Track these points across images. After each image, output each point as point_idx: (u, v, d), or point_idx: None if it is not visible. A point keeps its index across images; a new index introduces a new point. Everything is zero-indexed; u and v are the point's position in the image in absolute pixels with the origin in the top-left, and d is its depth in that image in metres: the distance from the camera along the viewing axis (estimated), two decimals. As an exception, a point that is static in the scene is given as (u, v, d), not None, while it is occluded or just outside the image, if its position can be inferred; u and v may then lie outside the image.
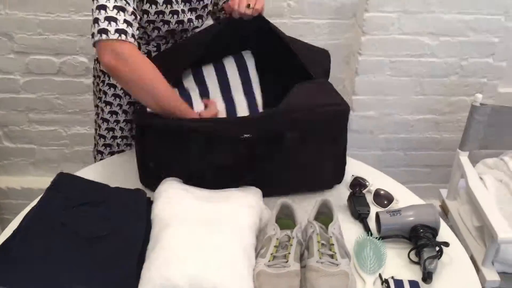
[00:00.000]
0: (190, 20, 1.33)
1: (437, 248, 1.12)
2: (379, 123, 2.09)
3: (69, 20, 1.91)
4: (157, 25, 1.30)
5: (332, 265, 1.01)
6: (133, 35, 1.10)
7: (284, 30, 1.98)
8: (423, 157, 2.21)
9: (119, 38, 1.06)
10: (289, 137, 1.16)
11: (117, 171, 1.36)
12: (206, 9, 1.35)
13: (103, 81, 1.40)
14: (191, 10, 1.32)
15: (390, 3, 1.80)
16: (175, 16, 1.28)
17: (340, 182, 1.34)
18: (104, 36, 1.05)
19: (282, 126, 1.16)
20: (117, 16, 1.07)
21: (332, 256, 1.03)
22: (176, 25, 1.31)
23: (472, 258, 1.61)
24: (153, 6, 1.23)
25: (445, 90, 2.02)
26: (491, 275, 1.53)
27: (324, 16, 1.95)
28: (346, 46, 2.02)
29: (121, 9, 1.08)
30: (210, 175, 1.19)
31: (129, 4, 1.11)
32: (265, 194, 1.23)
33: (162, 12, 1.26)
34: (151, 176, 1.23)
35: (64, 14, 1.90)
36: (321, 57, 1.35)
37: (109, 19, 1.06)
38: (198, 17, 1.35)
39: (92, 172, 1.37)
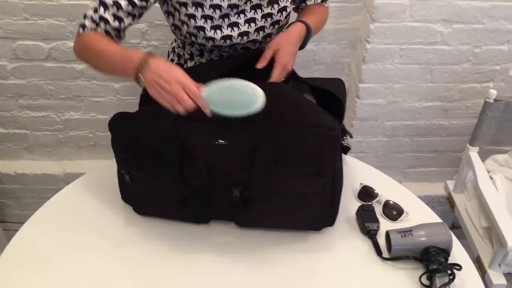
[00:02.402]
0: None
1: (449, 272, 1.08)
2: (386, 110, 2.01)
3: (57, 5, 1.78)
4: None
5: None
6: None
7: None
8: (430, 143, 2.15)
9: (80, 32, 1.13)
10: (262, 154, 1.05)
11: (100, 187, 1.31)
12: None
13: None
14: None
15: (402, -12, 1.69)
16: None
17: (331, 225, 1.21)
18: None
19: (258, 139, 1.05)
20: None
21: None
22: (222, 41, 1.24)
23: (478, 259, 1.59)
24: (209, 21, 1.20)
25: (455, 78, 1.93)
26: (498, 279, 1.51)
27: (331, 0, 1.83)
28: (353, 30, 1.91)
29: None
30: (182, 196, 1.11)
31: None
32: (240, 224, 1.19)
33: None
34: (130, 192, 1.19)
35: (51, -2, 1.77)
36: (339, 88, 1.29)
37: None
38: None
39: (74, 188, 1.31)
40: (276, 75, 1.19)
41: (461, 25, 1.78)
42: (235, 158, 1.06)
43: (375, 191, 1.32)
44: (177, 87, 0.93)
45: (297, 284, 1.08)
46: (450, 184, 1.88)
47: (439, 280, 1.07)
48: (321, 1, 1.39)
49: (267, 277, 1.09)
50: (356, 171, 1.41)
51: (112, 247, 1.14)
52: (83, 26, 1.12)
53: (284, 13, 1.27)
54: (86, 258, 1.11)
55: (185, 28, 1.22)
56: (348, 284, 1.09)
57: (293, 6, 1.36)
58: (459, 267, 1.10)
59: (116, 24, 1.12)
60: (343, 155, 1.39)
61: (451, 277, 1.08)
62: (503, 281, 1.51)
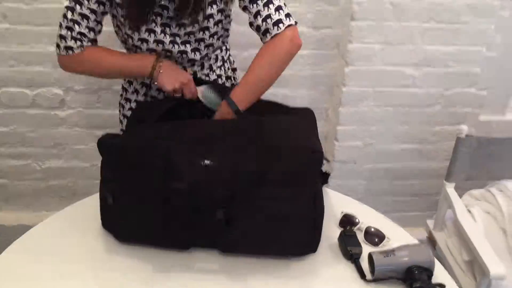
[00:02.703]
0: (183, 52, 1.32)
1: (433, 290, 1.08)
2: (364, 153, 2.06)
3: (43, 52, 1.84)
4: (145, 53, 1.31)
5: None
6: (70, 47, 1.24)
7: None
8: (408, 186, 2.19)
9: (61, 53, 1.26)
10: (246, 173, 1.07)
11: (81, 218, 1.30)
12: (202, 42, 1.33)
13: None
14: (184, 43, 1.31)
15: (373, 34, 1.80)
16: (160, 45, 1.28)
17: (314, 251, 1.20)
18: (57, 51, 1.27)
19: (244, 160, 1.08)
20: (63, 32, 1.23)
21: None
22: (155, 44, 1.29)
23: (463, 293, 1.58)
24: (136, 34, 1.26)
25: (429, 120, 2.01)
26: (484, 311, 1.50)
27: (308, 47, 1.93)
28: (329, 76, 2.01)
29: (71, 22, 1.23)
30: (165, 218, 1.11)
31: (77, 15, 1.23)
32: (222, 250, 1.18)
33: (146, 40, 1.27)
34: (112, 217, 1.18)
35: (38, 45, 1.83)
36: (305, 117, 1.32)
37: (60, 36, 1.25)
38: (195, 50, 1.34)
39: (53, 220, 1.30)
40: None
41: (430, 68, 1.89)
42: (220, 179, 1.08)
43: (356, 219, 1.33)
44: (188, 82, 1.30)
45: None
46: (430, 223, 1.90)
47: (423, 298, 1.06)
48: (263, 33, 1.26)
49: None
50: (337, 202, 1.43)
51: (91, 275, 1.11)
52: (70, 48, 1.23)
53: (207, 33, 1.32)
54: (66, 286, 1.08)
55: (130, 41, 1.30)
56: (333, 306, 1.08)
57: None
58: (442, 286, 1.10)
59: (92, 35, 1.26)
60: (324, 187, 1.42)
61: (435, 296, 1.08)
62: (488, 313, 1.50)
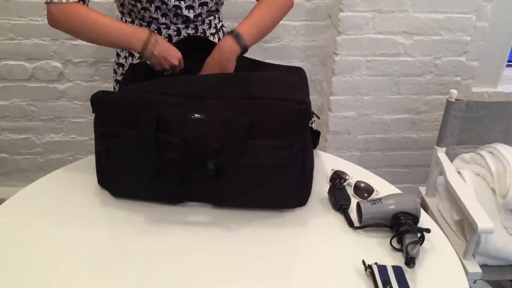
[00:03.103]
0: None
1: (419, 234, 1.11)
2: (357, 123, 2.09)
3: (42, 24, 1.87)
4: (144, 5, 1.32)
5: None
6: None
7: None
8: (401, 157, 2.22)
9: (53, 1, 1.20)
10: (236, 126, 1.10)
11: (79, 176, 1.32)
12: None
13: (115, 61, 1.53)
14: None
15: (364, 2, 1.82)
16: None
17: (304, 204, 1.24)
18: None
19: (233, 113, 1.12)
20: None
21: None
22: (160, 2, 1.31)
23: (453, 252, 1.61)
24: None
25: (420, 89, 2.04)
26: (473, 268, 1.53)
27: (300, 18, 1.96)
28: (322, 47, 2.04)
29: None
30: (158, 171, 1.13)
31: None
32: (215, 203, 1.21)
33: None
34: (107, 173, 1.21)
35: (37, 18, 1.86)
36: (295, 74, 1.33)
37: None
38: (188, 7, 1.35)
39: (50, 179, 1.33)
40: None
41: (421, 36, 1.91)
42: (210, 132, 1.11)
43: (346, 175, 1.36)
44: (178, 63, 1.28)
45: (275, 256, 1.09)
46: (422, 189, 1.93)
47: (408, 239, 1.09)
48: None
49: (245, 252, 1.09)
50: (328, 162, 1.46)
51: (85, 228, 1.14)
52: None
53: None
54: (60, 237, 1.11)
55: None
56: (323, 253, 1.10)
57: None
58: (428, 230, 1.14)
59: None
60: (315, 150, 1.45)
61: (420, 238, 1.11)
62: (478, 269, 1.53)
